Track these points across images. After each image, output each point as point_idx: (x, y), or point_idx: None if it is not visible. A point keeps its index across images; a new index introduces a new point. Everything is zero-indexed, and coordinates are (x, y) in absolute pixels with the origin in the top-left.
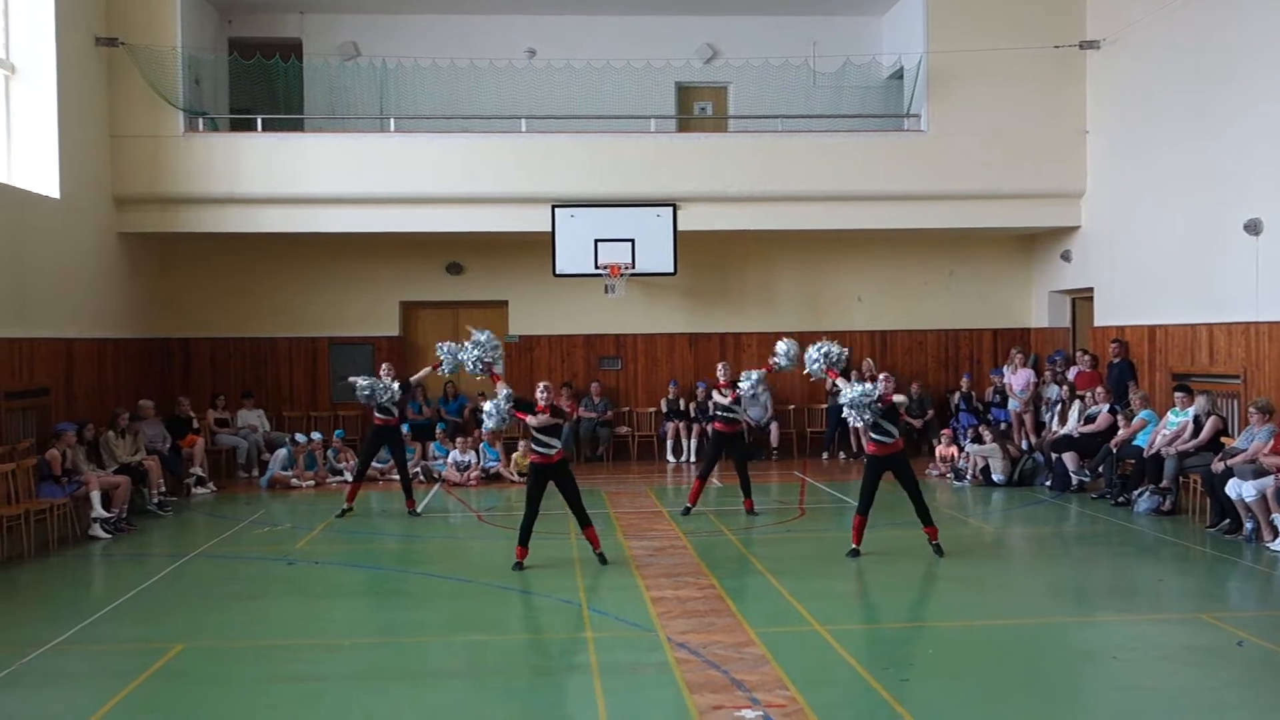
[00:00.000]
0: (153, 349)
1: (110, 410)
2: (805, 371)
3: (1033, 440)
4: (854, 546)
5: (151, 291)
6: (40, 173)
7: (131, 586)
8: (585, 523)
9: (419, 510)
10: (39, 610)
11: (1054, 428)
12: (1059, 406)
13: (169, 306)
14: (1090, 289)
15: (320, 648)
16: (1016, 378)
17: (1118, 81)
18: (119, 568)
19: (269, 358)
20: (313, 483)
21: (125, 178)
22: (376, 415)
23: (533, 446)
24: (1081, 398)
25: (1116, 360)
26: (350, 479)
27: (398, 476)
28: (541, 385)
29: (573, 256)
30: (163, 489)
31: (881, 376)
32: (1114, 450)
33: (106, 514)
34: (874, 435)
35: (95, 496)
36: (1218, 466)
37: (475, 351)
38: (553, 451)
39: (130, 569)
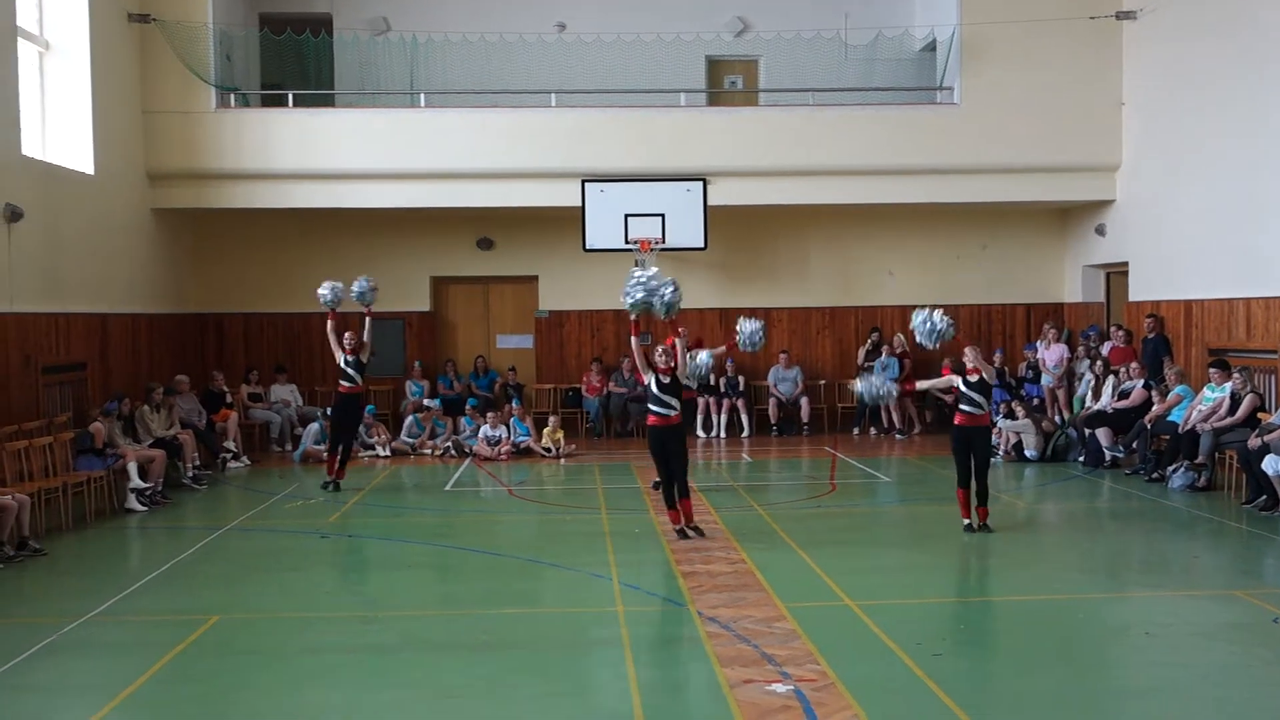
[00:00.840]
0: (186, 324)
1: (144, 385)
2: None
3: (1065, 416)
4: (965, 521)
5: (185, 267)
6: (74, 149)
7: (167, 559)
8: (684, 493)
9: (340, 484)
10: (77, 582)
11: (1078, 396)
12: (1091, 382)
13: (202, 282)
14: (1125, 263)
15: (353, 620)
16: (1050, 353)
17: (1155, 53)
18: (155, 540)
19: (302, 333)
20: None
21: (158, 154)
22: (341, 383)
23: (650, 408)
24: (1115, 373)
25: (1151, 335)
26: (381, 453)
27: (429, 450)
28: (661, 349)
29: (603, 231)
30: (197, 463)
31: (969, 349)
32: (1148, 426)
33: (143, 485)
34: (963, 406)
35: (132, 469)
36: (1254, 442)
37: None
38: (673, 413)
39: (166, 541)
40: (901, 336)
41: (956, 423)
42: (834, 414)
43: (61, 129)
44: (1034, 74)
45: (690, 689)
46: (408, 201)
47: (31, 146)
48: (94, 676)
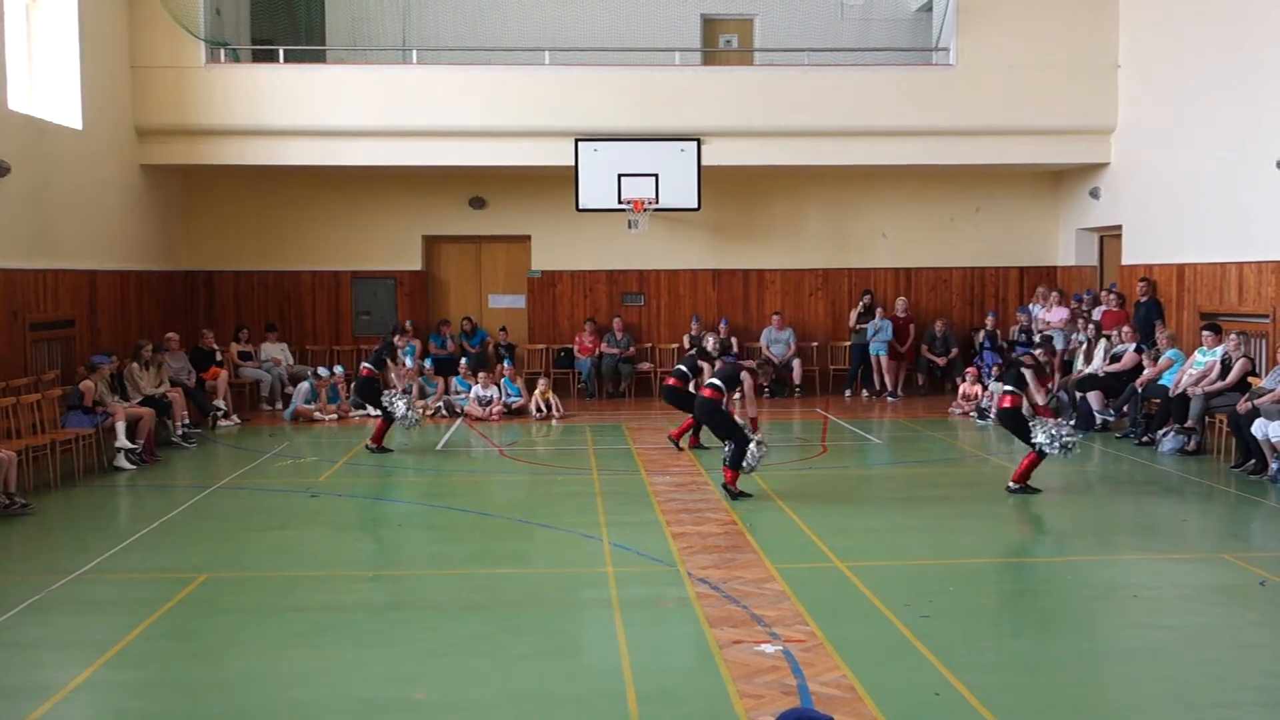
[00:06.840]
0: (176, 281)
1: (133, 342)
2: None
3: (1057, 379)
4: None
5: (174, 223)
6: (62, 103)
7: (156, 517)
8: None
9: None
10: (66, 539)
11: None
12: (1084, 346)
13: (192, 239)
14: (1119, 227)
15: (343, 579)
16: (1053, 315)
17: (1151, 15)
18: (144, 498)
19: (292, 291)
20: (335, 416)
21: (147, 109)
22: (365, 366)
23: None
24: (1108, 337)
25: (1143, 299)
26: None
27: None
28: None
29: (596, 191)
30: (187, 421)
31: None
32: (1139, 390)
33: (131, 445)
34: (1009, 389)
35: (120, 427)
36: (1244, 406)
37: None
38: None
39: (155, 500)
40: (904, 299)
41: (1004, 406)
42: (826, 376)
43: (49, 83)
44: (1030, 36)
45: (679, 649)
46: (399, 159)
47: (18, 100)
48: (82, 634)
